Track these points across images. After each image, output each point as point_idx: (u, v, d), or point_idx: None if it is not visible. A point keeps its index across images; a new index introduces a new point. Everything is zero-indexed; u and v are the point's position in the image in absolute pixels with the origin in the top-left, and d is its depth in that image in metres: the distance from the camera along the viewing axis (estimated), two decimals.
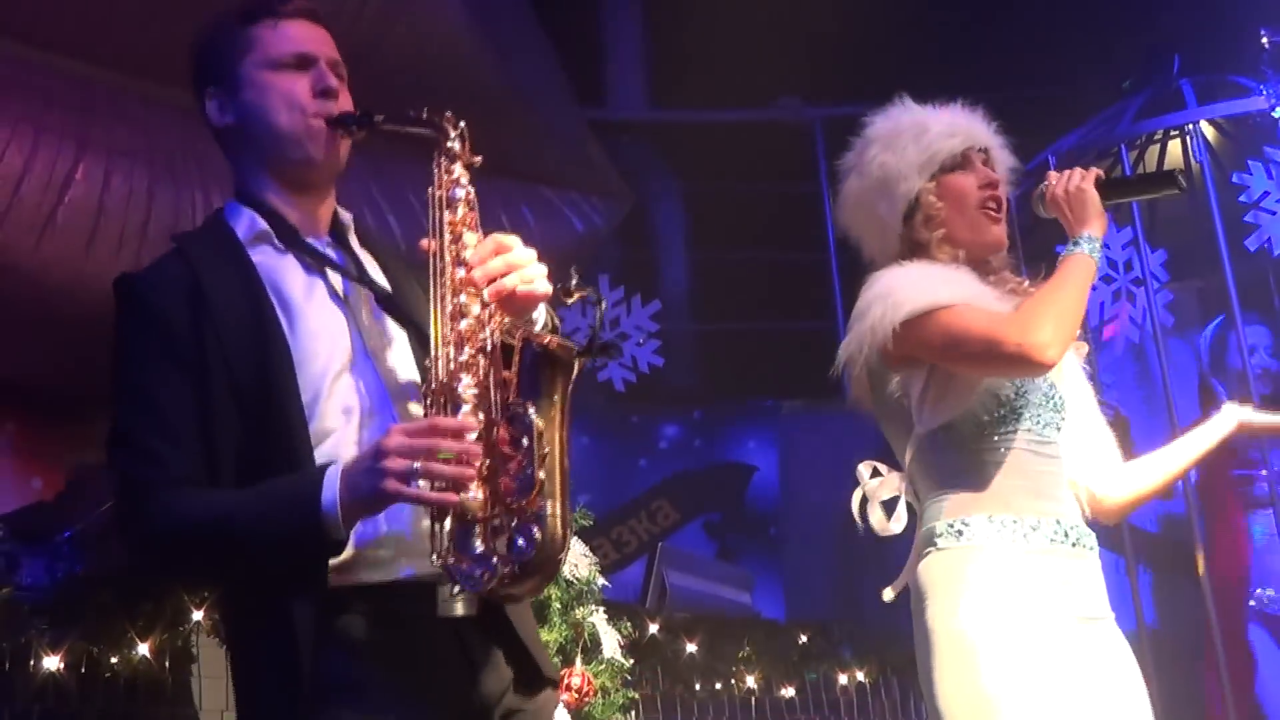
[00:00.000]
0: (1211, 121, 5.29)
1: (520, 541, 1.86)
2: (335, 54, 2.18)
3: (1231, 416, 2.80)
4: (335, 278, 2.12)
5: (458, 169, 2.06)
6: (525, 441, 1.88)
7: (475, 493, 1.86)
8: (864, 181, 2.81)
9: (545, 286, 2.01)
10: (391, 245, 2.24)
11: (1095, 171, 2.69)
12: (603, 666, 3.05)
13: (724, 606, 4.57)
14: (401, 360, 2.10)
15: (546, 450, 1.89)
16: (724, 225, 7.13)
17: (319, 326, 2.06)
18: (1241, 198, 5.08)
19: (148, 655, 2.77)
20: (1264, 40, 5.21)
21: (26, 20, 4.61)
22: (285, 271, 2.10)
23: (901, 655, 2.74)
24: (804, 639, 4.11)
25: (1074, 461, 2.76)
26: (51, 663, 2.66)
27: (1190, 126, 5.17)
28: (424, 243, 2.02)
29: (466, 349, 1.95)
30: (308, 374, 2.02)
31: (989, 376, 2.58)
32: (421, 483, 1.82)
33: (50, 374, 4.95)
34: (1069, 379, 2.79)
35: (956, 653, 2.56)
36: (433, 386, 1.94)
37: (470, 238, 2.01)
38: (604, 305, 1.90)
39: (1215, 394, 5.33)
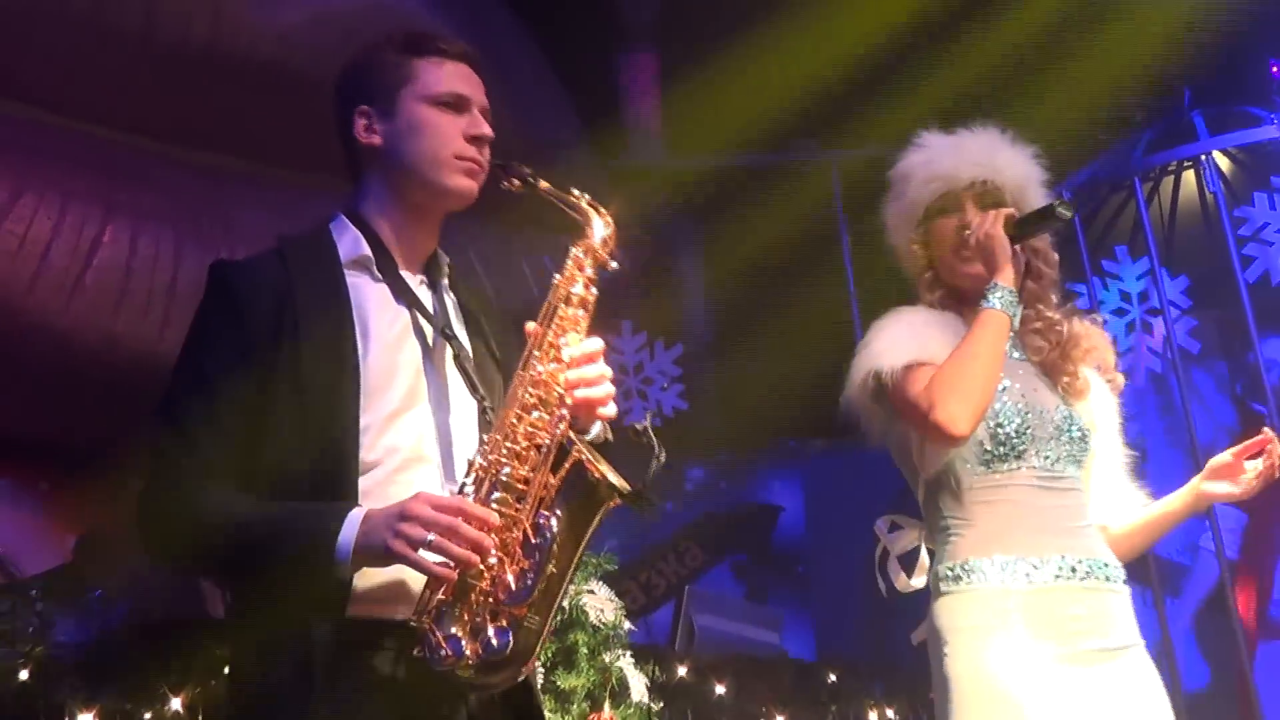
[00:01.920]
0: (1224, 151, 5.28)
1: (494, 641, 1.88)
2: (486, 101, 2.22)
3: (1194, 484, 2.79)
4: (420, 316, 2.14)
5: (589, 268, 2.10)
6: (537, 556, 1.90)
7: (479, 576, 1.87)
8: (888, 232, 2.86)
9: (614, 409, 2.04)
10: (482, 297, 2.29)
11: (1005, 212, 2.69)
12: (631, 710, 3.05)
13: (753, 647, 4.57)
14: (460, 414, 2.11)
15: (553, 570, 1.90)
16: (742, 268, 7.14)
17: (392, 363, 2.08)
18: (1242, 230, 5.09)
19: (180, 710, 2.78)
20: (1274, 70, 5.23)
21: (51, 88, 4.67)
22: (375, 301, 2.12)
23: (927, 692, 2.72)
24: (833, 678, 4.11)
25: (1092, 500, 2.75)
26: (86, 719, 2.68)
27: (1203, 157, 5.17)
28: (530, 326, 2.05)
29: (523, 441, 1.96)
30: (372, 405, 2.03)
31: (928, 440, 2.62)
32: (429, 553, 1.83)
33: (81, 433, 4.97)
34: (1099, 413, 2.78)
35: (971, 697, 2.57)
36: (482, 464, 1.95)
37: (573, 338, 2.03)
38: (662, 457, 1.92)
39: (1258, 416, 5.31)
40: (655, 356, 6.43)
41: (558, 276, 2.09)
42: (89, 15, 4.50)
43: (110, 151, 4.80)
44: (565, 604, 3.06)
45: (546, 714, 2.95)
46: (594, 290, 2.09)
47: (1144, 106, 5.47)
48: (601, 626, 3.05)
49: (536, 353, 2.01)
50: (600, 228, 2.12)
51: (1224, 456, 2.79)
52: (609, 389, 2.02)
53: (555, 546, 1.90)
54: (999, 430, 2.62)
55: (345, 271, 2.13)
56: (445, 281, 2.23)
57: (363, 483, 1.98)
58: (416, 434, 2.07)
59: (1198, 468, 2.88)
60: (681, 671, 3.70)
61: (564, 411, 1.98)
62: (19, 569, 3.53)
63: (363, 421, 2.02)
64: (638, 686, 3.05)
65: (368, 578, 1.94)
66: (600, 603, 3.09)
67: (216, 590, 3.14)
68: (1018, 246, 2.67)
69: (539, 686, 3.02)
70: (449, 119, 2.16)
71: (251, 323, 2.05)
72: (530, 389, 1.99)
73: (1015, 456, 2.64)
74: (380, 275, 2.15)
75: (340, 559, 1.87)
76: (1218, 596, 4.93)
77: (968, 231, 2.70)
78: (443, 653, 1.87)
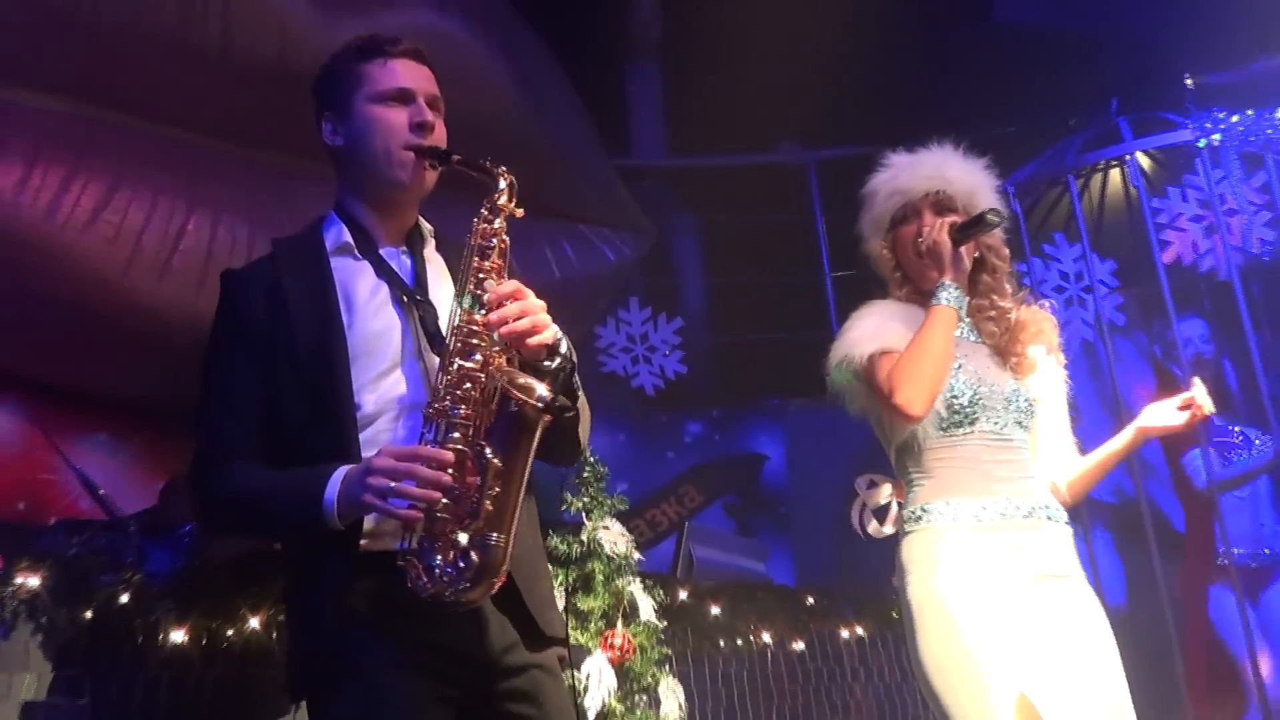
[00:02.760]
0: (1146, 152, 5.27)
1: (462, 561, 1.88)
2: (434, 89, 2.19)
3: (1134, 426, 2.84)
4: (398, 284, 2.13)
5: (499, 221, 2.05)
6: (482, 480, 1.89)
7: (439, 510, 1.88)
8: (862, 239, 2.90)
9: (551, 334, 1.99)
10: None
11: (948, 221, 2.74)
12: (640, 628, 3.05)
13: (742, 574, 4.56)
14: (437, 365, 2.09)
15: (497, 489, 1.89)
16: (734, 253, 7.16)
17: (378, 327, 2.08)
18: (1159, 219, 5.09)
19: (258, 627, 2.78)
20: (1188, 82, 5.22)
21: (143, 98, 4.66)
22: (357, 277, 2.12)
23: (892, 612, 2.73)
24: (811, 600, 4.11)
25: (1040, 457, 2.79)
26: (178, 636, 2.68)
27: (1127, 157, 5.16)
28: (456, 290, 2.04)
29: (467, 384, 1.94)
30: (361, 368, 2.04)
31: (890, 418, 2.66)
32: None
33: (169, 395, 4.97)
34: (1043, 384, 2.81)
35: (928, 617, 2.59)
36: (434, 408, 1.95)
37: (490, 284, 2.00)
38: (570, 359, 1.94)
39: (1174, 377, 5.34)
40: (659, 328, 6.42)
41: (469, 235, 2.06)
42: (175, 36, 4.48)
43: (193, 153, 4.79)
44: (584, 538, 3.07)
45: (569, 631, 2.97)
46: (505, 238, 2.05)
47: (1078, 114, 5.45)
48: (615, 557, 3.05)
49: (463, 305, 2.00)
50: (501, 183, 2.07)
51: (1163, 404, 2.83)
52: (535, 320, 1.97)
53: (494, 468, 1.90)
54: (954, 401, 2.68)
55: (331, 257, 2.13)
56: (430, 248, 2.22)
57: (365, 435, 2.01)
58: (406, 386, 2.06)
59: (1121, 421, 2.92)
60: (683, 595, 3.70)
61: (493, 350, 1.96)
62: (118, 508, 3.53)
63: (357, 381, 2.04)
64: (646, 608, 3.05)
65: (371, 518, 1.97)
66: (614, 537, 3.08)
67: None
68: (971, 246, 2.70)
69: (562, 608, 3.03)
70: (395, 112, 2.13)
71: (249, 321, 2.07)
72: (462, 339, 1.97)
73: (969, 422, 2.69)
74: (361, 255, 2.14)
75: (328, 516, 1.91)
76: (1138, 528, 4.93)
77: (919, 239, 2.75)
78: (424, 581, 1.88)
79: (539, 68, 5.56)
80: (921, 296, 2.76)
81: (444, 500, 1.87)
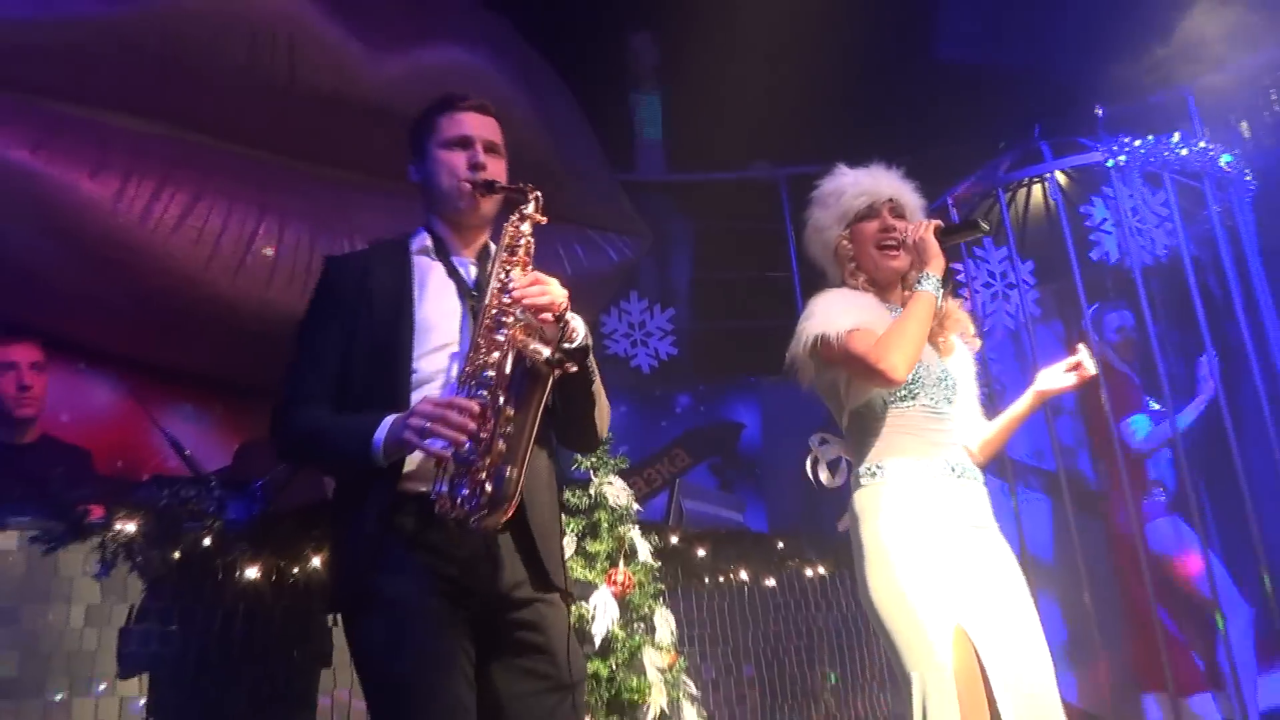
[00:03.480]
0: (1063, 171, 5.28)
1: (481, 491, 1.94)
2: (493, 137, 2.30)
3: (1032, 390, 2.88)
4: (463, 284, 2.22)
5: (526, 226, 2.16)
6: (497, 423, 1.97)
7: (465, 449, 1.94)
8: (809, 231, 2.88)
9: (560, 302, 2.07)
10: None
11: (935, 223, 2.75)
12: (639, 567, 3.06)
13: (724, 523, 4.58)
14: None
15: (510, 430, 1.96)
16: (719, 253, 7.20)
17: (440, 311, 2.17)
18: (1087, 223, 5.09)
19: (319, 566, 2.79)
20: (1098, 112, 5.22)
21: (221, 122, 4.68)
22: (431, 273, 2.22)
23: (848, 554, 2.74)
24: (781, 545, 4.12)
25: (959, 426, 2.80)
26: (251, 573, 2.69)
27: (1048, 175, 5.17)
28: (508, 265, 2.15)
29: (495, 353, 2.02)
30: (420, 342, 2.12)
31: (865, 384, 2.65)
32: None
33: (244, 371, 4.99)
34: (961, 366, 2.83)
35: (877, 558, 2.60)
36: (467, 371, 2.03)
37: (516, 273, 2.11)
38: (574, 329, 2.04)
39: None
40: (654, 316, 6.44)
41: (502, 236, 2.17)
42: (248, 69, 4.49)
43: (264, 168, 4.79)
44: (592, 492, 3.07)
45: (578, 570, 2.97)
46: (531, 240, 2.16)
47: (1006, 138, 5.45)
48: (617, 508, 3.06)
49: (490, 288, 2.10)
50: (529, 196, 2.18)
51: (1053, 368, 2.88)
52: (551, 297, 2.05)
53: (508, 413, 1.97)
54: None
55: (414, 256, 2.23)
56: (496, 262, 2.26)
57: (415, 395, 2.08)
58: (454, 360, 2.13)
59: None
60: (674, 540, 3.71)
61: (511, 319, 2.03)
62: (201, 466, 3.54)
63: (416, 351, 2.12)
64: (643, 550, 3.06)
65: (410, 463, 2.05)
66: (617, 491, 3.10)
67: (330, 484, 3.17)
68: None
69: (573, 550, 3.04)
70: (456, 155, 2.25)
71: (339, 296, 2.18)
72: (489, 315, 2.05)
73: (911, 397, 2.70)
74: (437, 257, 2.24)
75: (375, 452, 1.99)
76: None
77: (901, 235, 2.74)
78: (448, 507, 1.95)
79: (554, 97, 5.56)
80: (875, 286, 2.76)
81: (468, 442, 1.92)
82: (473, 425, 1.92)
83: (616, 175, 6.18)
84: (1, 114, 4.09)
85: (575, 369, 2.07)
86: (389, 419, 1.99)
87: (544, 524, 2.13)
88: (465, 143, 2.25)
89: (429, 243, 2.26)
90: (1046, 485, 5.47)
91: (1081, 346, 2.85)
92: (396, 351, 2.10)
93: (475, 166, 2.22)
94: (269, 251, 4.39)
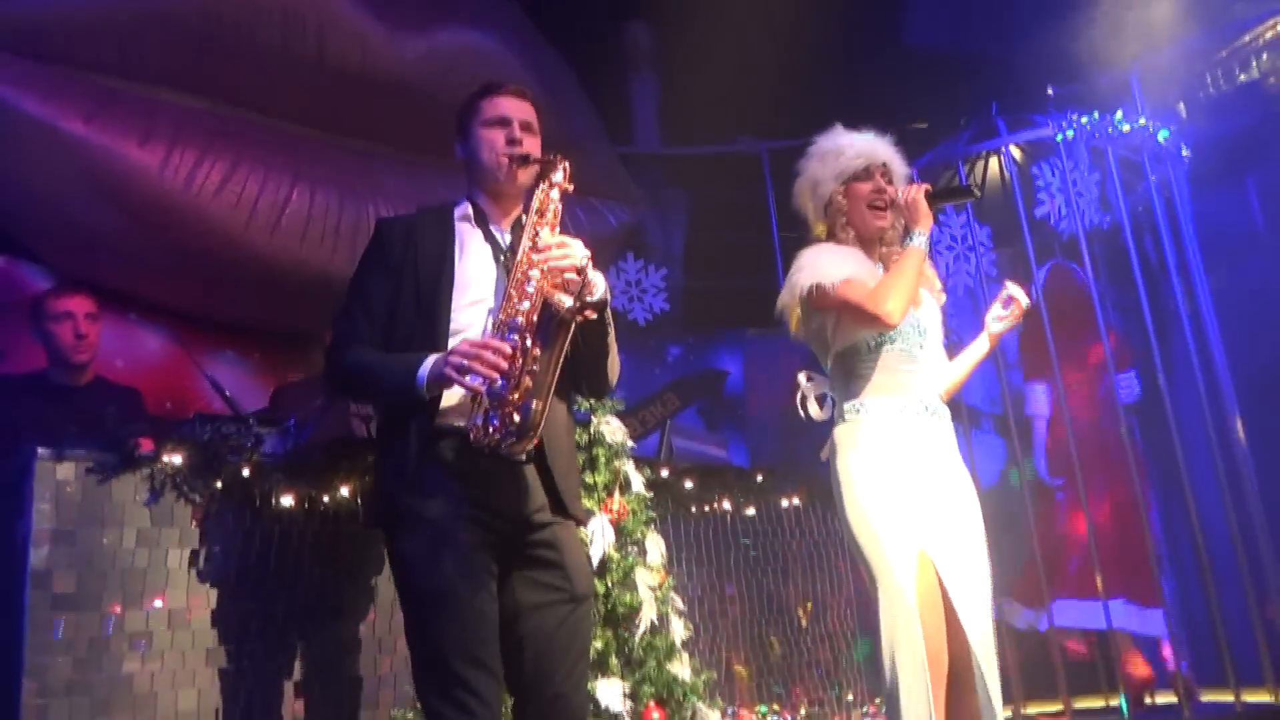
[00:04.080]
0: (1017, 145, 5.23)
1: (510, 421, 1.98)
2: (528, 117, 2.31)
3: (984, 334, 2.87)
4: (499, 249, 2.24)
5: (555, 192, 2.18)
6: (525, 362, 1.99)
7: (496, 384, 1.97)
8: (803, 182, 2.81)
9: (580, 261, 2.06)
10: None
11: (925, 186, 2.70)
12: (632, 497, 3.06)
13: (709, 458, 4.58)
14: None
15: (536, 368, 1.99)
16: (708, 219, 7.21)
17: (477, 271, 2.19)
18: (1037, 183, 5.02)
19: (346, 494, 2.78)
20: (1049, 91, 5.17)
21: (257, 97, 4.63)
22: (471, 238, 2.24)
23: (821, 486, 2.74)
24: (760, 478, 4.12)
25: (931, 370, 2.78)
26: (286, 500, 2.68)
27: (1004, 149, 5.12)
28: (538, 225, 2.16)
29: (526, 302, 2.05)
30: (460, 294, 2.15)
31: (862, 329, 2.61)
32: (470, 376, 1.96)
33: (280, 321, 4.96)
34: (930, 316, 2.80)
35: (852, 486, 2.58)
36: (499, 319, 2.06)
37: (544, 235, 2.12)
38: (594, 283, 2.06)
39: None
40: (649, 275, 6.43)
41: (533, 200, 2.18)
42: (281, 49, 4.44)
43: (296, 139, 4.73)
44: (591, 430, 3.05)
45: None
46: (559, 205, 2.18)
47: (966, 115, 5.39)
48: (614, 444, 3.05)
49: (520, 247, 2.12)
50: (559, 166, 2.19)
51: (992, 311, 2.88)
52: (572, 259, 2.05)
53: (534, 354, 1.99)
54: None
55: (456, 222, 2.25)
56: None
57: (453, 341, 2.09)
58: (488, 313, 2.15)
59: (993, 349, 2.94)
60: (664, 473, 3.71)
61: (538, 272, 2.05)
62: (241, 407, 3.52)
63: (455, 303, 2.17)
64: (637, 482, 3.06)
65: (446, 399, 2.07)
66: (613, 429, 3.08)
67: (359, 420, 3.16)
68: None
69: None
70: (496, 133, 2.26)
71: (388, 252, 2.19)
72: (521, 270, 2.07)
73: (890, 342, 2.68)
74: (477, 224, 2.26)
75: (418, 387, 2.02)
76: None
77: (892, 196, 2.70)
78: (482, 435, 1.99)
79: (558, 77, 5.49)
80: (863, 242, 2.71)
81: (501, 378, 1.96)
82: (504, 363, 1.95)
83: (615, 148, 6.13)
84: (56, 86, 4.03)
85: (595, 317, 2.10)
86: (431, 357, 2.03)
87: (562, 460, 2.17)
88: (504, 122, 2.26)
89: (470, 211, 2.27)
90: (998, 428, 5.47)
91: (1009, 283, 2.85)
92: (437, 303, 2.12)
93: (512, 142, 2.25)
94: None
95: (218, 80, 4.46)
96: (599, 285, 2.10)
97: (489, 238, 2.24)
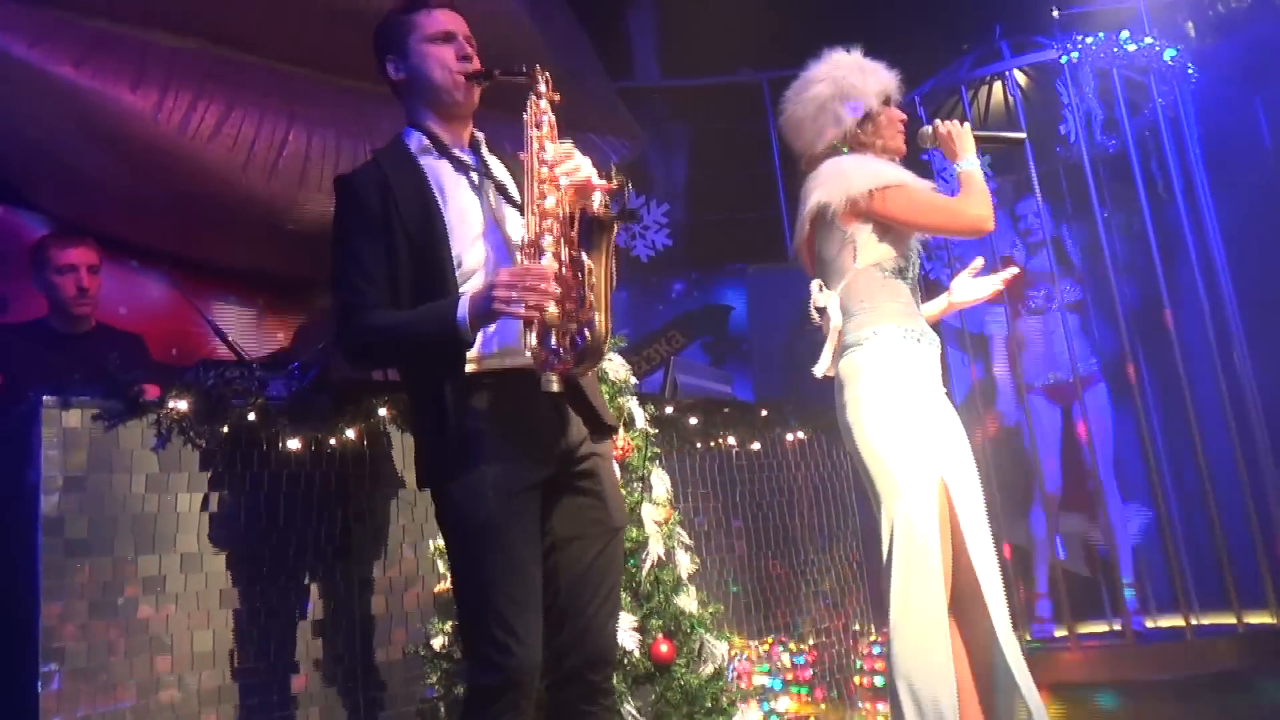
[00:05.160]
0: (1021, 69, 5.15)
1: (578, 339, 1.90)
2: (468, 30, 2.19)
3: (947, 296, 2.90)
4: (473, 174, 2.14)
5: (544, 104, 2.06)
6: (579, 275, 1.90)
7: (551, 309, 1.88)
8: (830, 89, 2.76)
9: (594, 174, 2.00)
10: (505, 156, 2.27)
11: (966, 124, 2.72)
12: (637, 434, 3.06)
13: (714, 394, 4.58)
14: (514, 228, 2.10)
15: (594, 281, 1.90)
16: (709, 153, 7.15)
17: (463, 206, 2.09)
18: (1063, 101, 4.93)
19: (352, 437, 2.79)
20: (1054, 12, 5.07)
21: (252, 37, 4.55)
22: (441, 171, 2.12)
23: (825, 420, 2.74)
24: (764, 413, 4.12)
25: None
26: (293, 444, 2.69)
27: (1007, 73, 5.03)
28: (520, 154, 2.05)
29: (548, 219, 1.96)
30: (456, 237, 2.06)
31: (946, 235, 2.68)
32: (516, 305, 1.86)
33: (282, 266, 4.95)
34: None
35: (868, 409, 2.58)
36: (527, 241, 1.96)
37: (550, 147, 2.01)
38: (630, 188, 1.97)
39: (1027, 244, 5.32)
40: (651, 210, 6.41)
41: (525, 115, 2.06)
42: None
43: (291, 80, 4.69)
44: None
45: None
46: (553, 116, 2.06)
47: (969, 39, 5.30)
48: (617, 381, 3.04)
49: (531, 165, 2.01)
50: (540, 78, 2.07)
51: (965, 277, 2.91)
52: (587, 170, 1.99)
53: (588, 265, 1.90)
54: (903, 249, 2.69)
55: (419, 157, 2.13)
56: (484, 151, 2.23)
57: (463, 287, 2.03)
58: (491, 247, 2.09)
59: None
60: (669, 409, 3.71)
61: (558, 187, 1.97)
62: (245, 352, 3.52)
63: (454, 248, 2.08)
64: (640, 418, 3.05)
65: (475, 349, 2.01)
66: (617, 367, 3.07)
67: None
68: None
69: None
70: (443, 49, 2.14)
71: (368, 208, 2.07)
72: (537, 186, 1.98)
73: (907, 268, 2.69)
74: (440, 154, 2.14)
75: (461, 327, 1.93)
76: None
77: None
78: (552, 359, 1.89)
79: (555, 12, 5.42)
80: (887, 154, 2.72)
81: (552, 303, 1.88)
82: (553, 286, 1.87)
83: (614, 83, 6.06)
84: (44, 30, 3.97)
85: (633, 217, 2.07)
86: (464, 297, 1.94)
87: (590, 381, 2.13)
88: (449, 37, 2.15)
89: (425, 140, 2.15)
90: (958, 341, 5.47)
91: (1012, 270, 2.94)
92: (436, 250, 2.04)
93: (465, 58, 2.14)
94: None
95: (209, 21, 4.40)
96: (625, 180, 2.01)
97: (460, 165, 2.14)
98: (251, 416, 2.65)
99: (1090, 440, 4.65)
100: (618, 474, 2.20)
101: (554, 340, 1.89)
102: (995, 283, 2.88)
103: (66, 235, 3.69)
